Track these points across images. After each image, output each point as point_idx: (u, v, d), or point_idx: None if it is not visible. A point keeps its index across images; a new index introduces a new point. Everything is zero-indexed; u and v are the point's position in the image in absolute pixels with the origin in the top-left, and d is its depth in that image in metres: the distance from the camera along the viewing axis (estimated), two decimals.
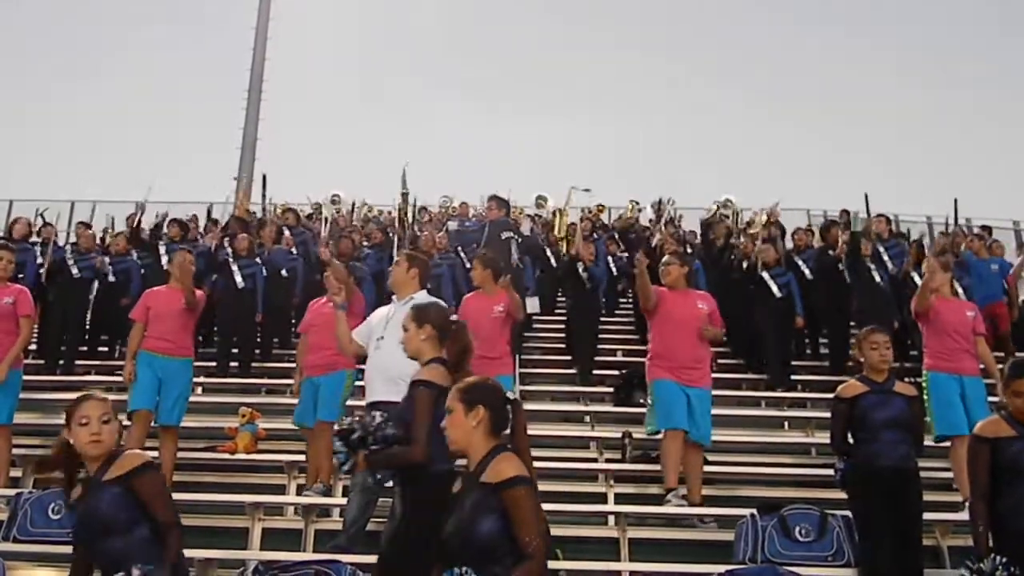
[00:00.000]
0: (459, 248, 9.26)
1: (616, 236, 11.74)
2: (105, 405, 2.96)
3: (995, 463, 3.49)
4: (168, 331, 5.59)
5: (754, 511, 4.66)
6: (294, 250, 9.46)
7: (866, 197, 8.42)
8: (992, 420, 3.66)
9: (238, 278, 8.46)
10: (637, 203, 13.60)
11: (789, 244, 10.15)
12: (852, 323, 8.67)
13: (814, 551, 4.47)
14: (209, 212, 11.65)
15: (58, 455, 3.00)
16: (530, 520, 2.50)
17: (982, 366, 5.55)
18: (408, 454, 3.28)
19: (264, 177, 11.77)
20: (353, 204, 13.42)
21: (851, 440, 4.33)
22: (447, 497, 3.25)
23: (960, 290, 6.88)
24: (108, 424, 2.92)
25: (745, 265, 8.70)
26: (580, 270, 8.60)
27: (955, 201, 10.25)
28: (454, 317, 3.73)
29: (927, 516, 5.09)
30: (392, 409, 3.48)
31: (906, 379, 6.20)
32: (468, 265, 8.92)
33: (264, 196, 11.70)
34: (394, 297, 4.86)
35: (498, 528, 2.50)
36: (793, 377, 8.30)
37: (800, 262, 8.93)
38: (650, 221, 12.70)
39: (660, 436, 5.46)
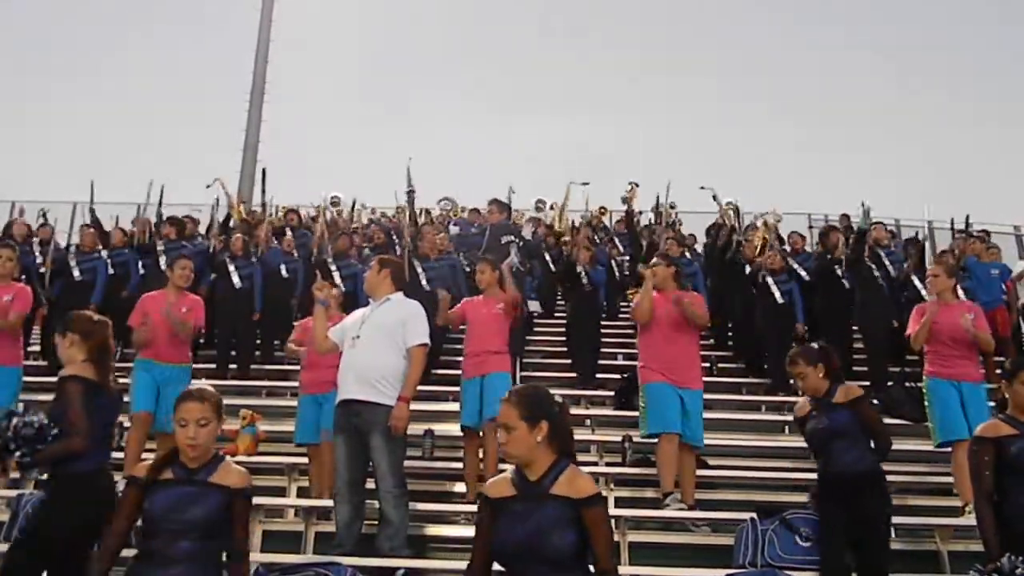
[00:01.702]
0: (461, 252, 9.27)
1: (616, 239, 11.76)
2: (204, 408, 2.95)
3: (998, 463, 3.49)
4: (168, 338, 5.67)
5: (754, 515, 4.66)
6: (295, 252, 9.47)
7: (864, 206, 8.37)
8: (992, 422, 3.66)
9: (235, 278, 8.49)
10: (635, 184, 13.57)
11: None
12: (854, 327, 8.72)
13: (814, 555, 4.44)
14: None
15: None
16: (610, 537, 2.61)
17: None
18: (69, 445, 3.47)
19: (264, 171, 11.62)
20: (353, 204, 13.42)
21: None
22: (90, 496, 3.48)
23: (961, 293, 6.85)
24: (206, 427, 2.93)
25: (748, 270, 8.72)
26: (579, 273, 8.60)
27: (967, 218, 10.29)
28: (96, 317, 3.92)
29: (928, 521, 5.12)
30: (48, 408, 3.62)
31: (907, 383, 6.26)
32: (468, 269, 8.95)
33: (264, 192, 11.55)
34: (371, 299, 4.90)
35: (574, 542, 2.52)
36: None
37: (796, 265, 8.95)
38: (650, 221, 12.75)
39: (656, 440, 5.45)
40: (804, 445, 6.77)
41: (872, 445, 4.28)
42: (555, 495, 2.57)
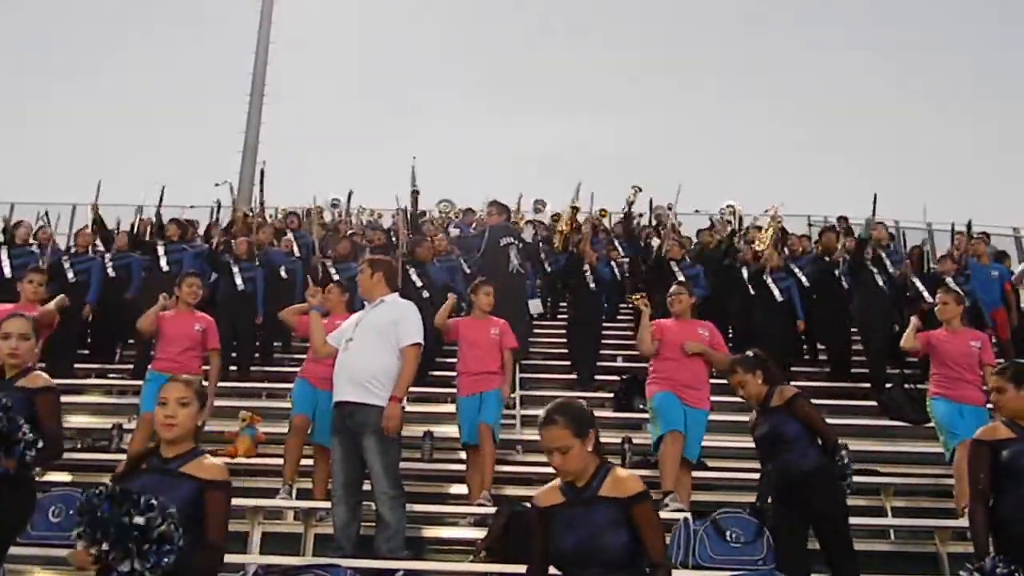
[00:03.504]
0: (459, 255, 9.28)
1: (616, 241, 11.77)
2: (186, 389, 2.87)
3: (994, 466, 3.49)
4: (179, 354, 5.75)
5: (688, 515, 4.74)
6: (296, 251, 9.47)
7: (874, 198, 8.57)
8: (991, 425, 3.67)
9: (238, 280, 8.49)
10: (639, 188, 13.58)
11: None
12: (853, 328, 8.72)
13: (744, 555, 4.51)
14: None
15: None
16: (660, 533, 2.67)
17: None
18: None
19: (262, 172, 11.44)
20: (349, 196, 13.44)
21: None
22: (32, 496, 3.55)
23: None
24: (186, 408, 2.84)
25: (747, 272, 8.74)
26: (585, 271, 8.57)
27: (969, 222, 10.26)
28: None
29: (928, 523, 5.11)
30: None
31: (905, 385, 6.27)
32: (467, 270, 8.94)
33: (262, 191, 11.42)
34: (366, 302, 4.90)
35: (629, 540, 2.59)
36: (792, 383, 8.31)
37: (797, 269, 8.98)
38: (649, 224, 12.75)
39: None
40: None
41: (820, 444, 4.26)
42: (603, 497, 2.64)
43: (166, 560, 2.49)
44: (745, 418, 7.53)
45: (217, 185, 10.84)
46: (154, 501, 2.54)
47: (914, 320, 5.94)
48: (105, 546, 2.47)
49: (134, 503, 2.50)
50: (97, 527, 2.48)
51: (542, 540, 2.71)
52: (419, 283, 7.93)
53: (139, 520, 2.48)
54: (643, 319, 5.66)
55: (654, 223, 11.92)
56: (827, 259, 8.86)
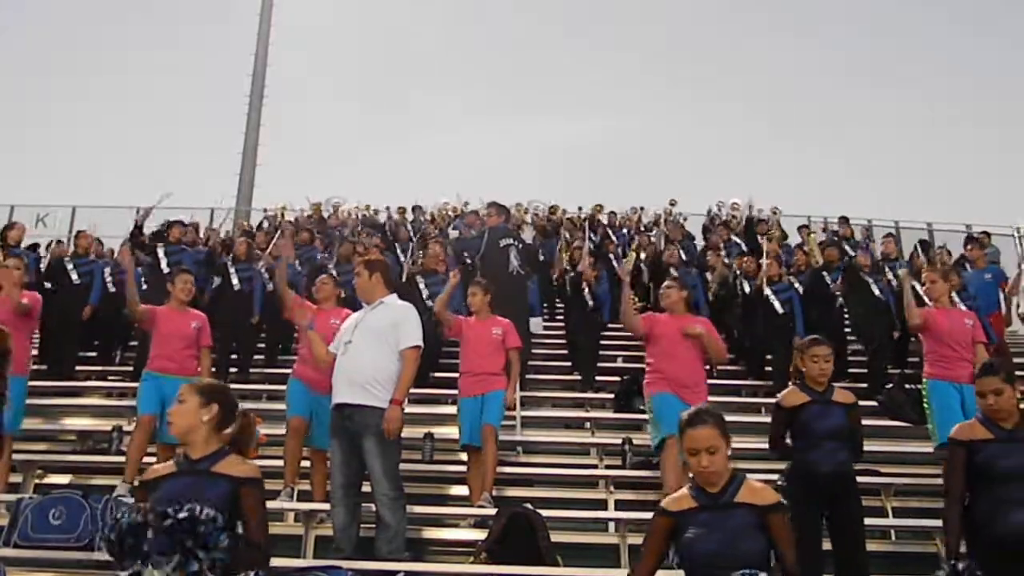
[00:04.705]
0: (462, 254, 9.26)
1: (610, 231, 11.82)
2: (185, 389, 2.91)
3: (970, 466, 3.44)
4: (174, 352, 5.70)
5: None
6: (298, 266, 9.46)
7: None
8: (968, 423, 3.61)
9: (234, 280, 8.52)
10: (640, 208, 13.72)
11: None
12: (847, 328, 8.73)
13: None
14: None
15: None
16: (792, 542, 2.73)
17: None
18: None
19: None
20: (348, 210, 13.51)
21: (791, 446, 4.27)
22: None
23: (958, 301, 6.86)
24: (182, 404, 2.86)
25: (748, 289, 8.71)
26: (585, 293, 8.65)
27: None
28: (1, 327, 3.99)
29: (928, 523, 5.11)
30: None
31: (906, 385, 6.26)
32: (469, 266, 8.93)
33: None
34: (364, 304, 4.89)
35: (765, 546, 2.68)
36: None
37: (796, 283, 8.95)
38: (653, 224, 12.78)
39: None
40: None
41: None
42: (741, 503, 2.72)
43: (222, 538, 2.51)
44: (744, 418, 7.61)
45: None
46: (180, 501, 2.54)
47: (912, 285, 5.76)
48: (159, 558, 2.44)
49: (163, 511, 2.49)
50: (144, 542, 2.44)
51: (663, 542, 2.79)
52: (426, 293, 7.93)
53: (183, 514, 2.48)
54: (624, 295, 5.60)
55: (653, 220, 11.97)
56: (824, 274, 8.84)
